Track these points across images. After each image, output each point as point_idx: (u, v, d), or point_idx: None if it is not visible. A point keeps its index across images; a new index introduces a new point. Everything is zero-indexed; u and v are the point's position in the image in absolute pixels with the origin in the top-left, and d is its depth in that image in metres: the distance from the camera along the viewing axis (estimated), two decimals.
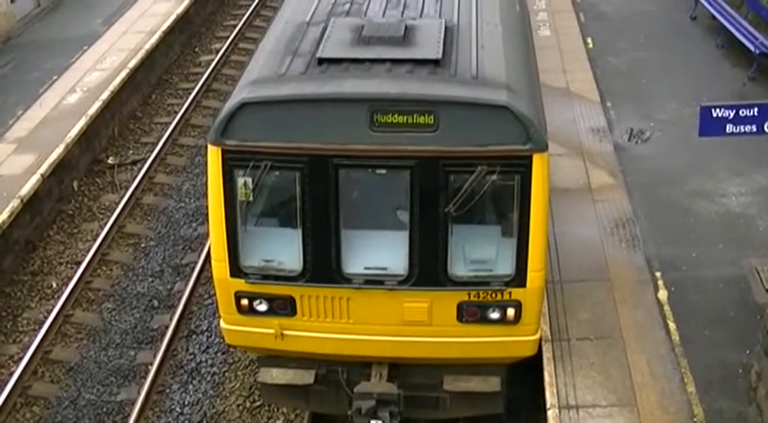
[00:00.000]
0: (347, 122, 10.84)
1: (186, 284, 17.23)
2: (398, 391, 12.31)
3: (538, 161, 10.90)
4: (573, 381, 13.03)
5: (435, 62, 11.49)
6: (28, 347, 15.74)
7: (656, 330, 13.87)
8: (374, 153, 10.94)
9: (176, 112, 23.51)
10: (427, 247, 11.35)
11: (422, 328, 11.94)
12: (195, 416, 14.75)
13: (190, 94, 24.33)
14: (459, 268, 11.58)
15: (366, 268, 11.66)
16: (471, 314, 11.82)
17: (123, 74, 23.05)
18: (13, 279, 17.68)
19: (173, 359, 15.85)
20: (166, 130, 22.48)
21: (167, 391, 15.27)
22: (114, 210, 19.44)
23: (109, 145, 22.14)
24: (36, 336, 15.96)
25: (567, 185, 17.30)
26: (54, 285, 17.67)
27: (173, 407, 14.94)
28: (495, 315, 11.80)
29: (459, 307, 11.77)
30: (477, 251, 11.68)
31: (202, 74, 25.45)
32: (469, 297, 11.67)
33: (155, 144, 22.05)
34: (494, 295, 11.62)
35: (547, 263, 12.40)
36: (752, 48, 21.53)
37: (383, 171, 11.20)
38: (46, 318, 16.45)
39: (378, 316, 11.91)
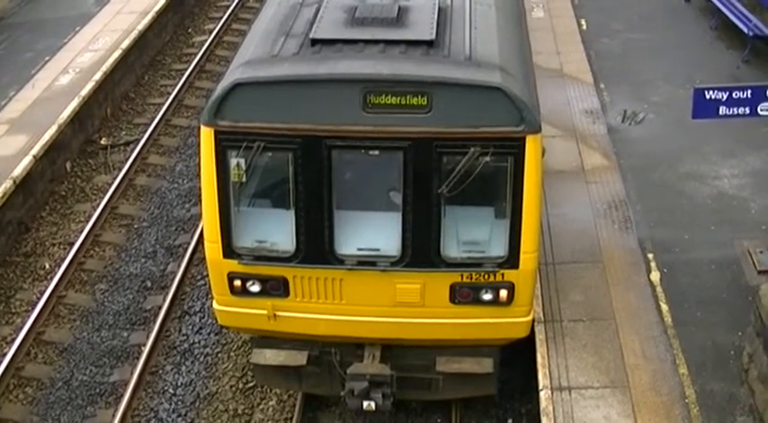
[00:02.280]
0: (340, 103, 10.81)
1: (179, 265, 17.21)
2: (391, 372, 12.33)
3: (531, 142, 10.88)
4: (565, 362, 13.07)
5: (429, 43, 11.47)
6: (21, 329, 15.73)
7: (649, 312, 13.90)
8: (367, 134, 10.92)
9: (169, 93, 23.45)
10: (420, 228, 11.34)
11: (414, 309, 11.95)
12: (188, 397, 14.77)
13: (183, 74, 24.26)
14: (451, 250, 11.57)
15: (359, 249, 11.66)
16: (464, 295, 11.82)
17: (116, 54, 22.97)
18: (5, 260, 17.66)
19: (165, 340, 15.86)
20: (159, 111, 22.43)
21: (160, 372, 15.28)
22: (107, 191, 19.42)
23: (102, 126, 22.09)
24: (29, 317, 15.95)
25: (560, 167, 17.31)
26: (47, 266, 17.66)
27: (165, 388, 14.95)
28: (487, 296, 11.80)
29: (452, 288, 11.77)
30: (470, 233, 11.66)
31: (195, 55, 25.36)
32: (462, 278, 11.66)
33: (148, 125, 21.99)
34: (486, 277, 11.61)
35: (540, 244, 12.40)
36: (746, 30, 21.51)
37: (376, 152, 11.15)
38: (39, 299, 16.43)
39: (370, 297, 11.90)
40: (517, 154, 10.93)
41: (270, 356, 12.82)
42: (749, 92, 13.36)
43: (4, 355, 15.17)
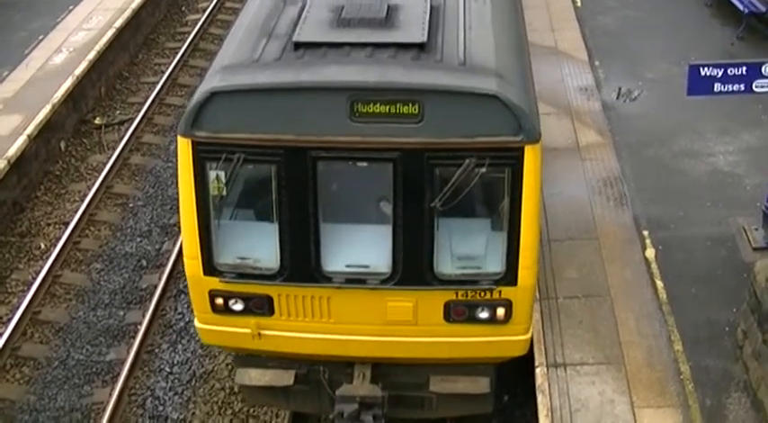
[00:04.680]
0: (326, 112, 10.13)
1: (174, 244, 17.20)
2: (382, 393, 11.88)
3: (530, 153, 10.22)
4: (561, 339, 13.10)
5: (420, 46, 10.76)
6: (17, 308, 15.75)
7: (644, 289, 13.94)
8: (354, 145, 10.24)
9: (163, 72, 23.41)
10: (412, 244, 10.72)
11: (406, 327, 11.38)
12: (184, 375, 14.81)
13: (177, 53, 24.20)
14: (445, 266, 10.96)
15: (347, 266, 11.06)
16: (459, 313, 11.22)
17: (110, 33, 22.92)
18: (0, 240, 17.65)
19: (161, 319, 15.88)
20: (153, 90, 22.40)
21: (156, 350, 15.32)
22: (102, 170, 19.40)
23: (96, 105, 22.05)
24: (25, 297, 15.97)
25: (555, 145, 17.29)
26: (42, 246, 17.65)
27: (162, 366, 14.99)
28: (484, 314, 11.19)
29: (446, 306, 11.16)
30: (464, 248, 11.10)
31: (189, 33, 25.31)
32: (457, 296, 11.06)
33: (142, 104, 21.97)
34: (483, 294, 11.01)
35: (539, 259, 11.91)
36: (741, 7, 21.48)
37: (364, 164, 10.51)
38: (34, 279, 16.45)
39: (360, 315, 11.32)
40: (515, 165, 10.25)
41: (255, 376, 12.28)
42: (744, 68, 13.32)
43: (1, 334, 15.18)
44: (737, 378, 12.44)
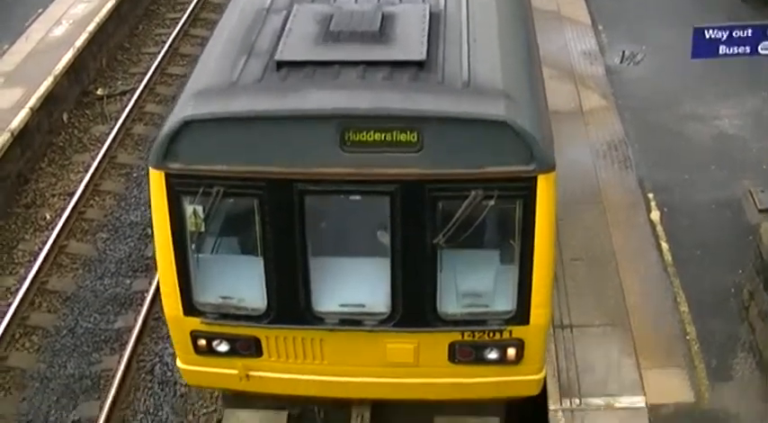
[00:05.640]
0: (313, 141, 9.18)
1: None
2: None
3: (543, 183, 9.28)
4: (567, 302, 13.13)
5: (418, 64, 9.72)
6: (24, 279, 15.76)
7: (649, 251, 13.97)
8: (346, 177, 9.29)
9: (164, 42, 23.30)
10: (412, 281, 9.79)
11: (407, 369, 10.54)
12: None
13: (177, 23, 24.10)
14: (450, 305, 10.04)
15: (341, 305, 10.19)
16: (465, 354, 10.35)
17: (109, 5, 22.83)
18: (6, 212, 17.67)
19: None
20: (155, 60, 22.31)
21: (164, 317, 15.32)
22: (105, 141, 19.37)
23: (97, 76, 22.00)
24: (32, 267, 15.99)
25: (558, 108, 17.20)
26: (48, 217, 17.67)
27: (169, 333, 15.00)
28: (493, 355, 10.33)
29: (451, 347, 10.30)
30: (471, 285, 10.17)
31: (189, 3, 25.17)
32: (463, 337, 10.16)
33: (143, 74, 21.89)
34: (491, 334, 10.11)
35: (553, 295, 11.24)
36: None
37: (357, 197, 9.65)
38: (41, 249, 16.47)
39: (356, 357, 10.48)
40: (527, 196, 9.31)
41: (244, 418, 11.67)
42: (749, 31, 13.25)
43: (9, 304, 15.23)
44: (743, 339, 12.49)
